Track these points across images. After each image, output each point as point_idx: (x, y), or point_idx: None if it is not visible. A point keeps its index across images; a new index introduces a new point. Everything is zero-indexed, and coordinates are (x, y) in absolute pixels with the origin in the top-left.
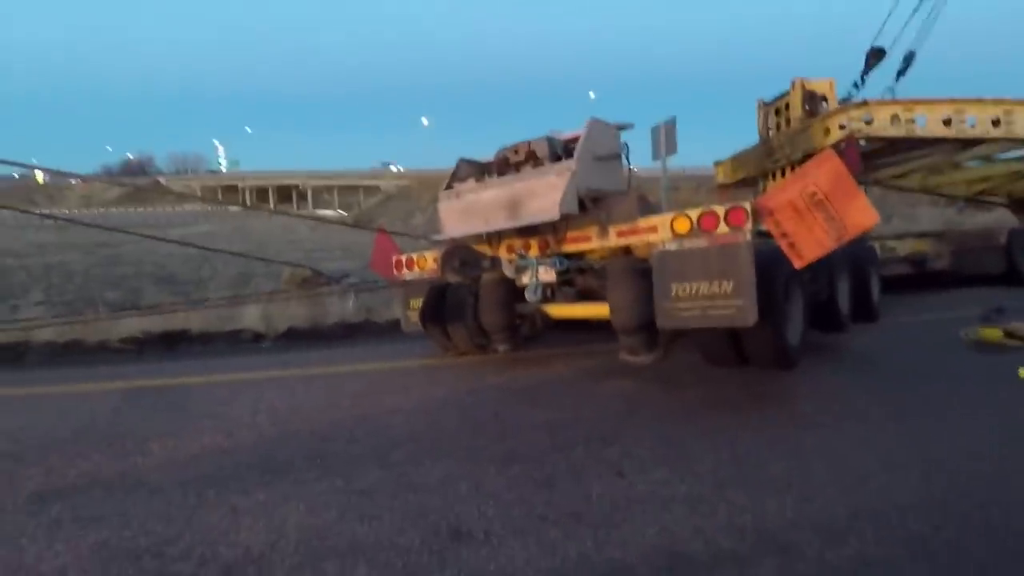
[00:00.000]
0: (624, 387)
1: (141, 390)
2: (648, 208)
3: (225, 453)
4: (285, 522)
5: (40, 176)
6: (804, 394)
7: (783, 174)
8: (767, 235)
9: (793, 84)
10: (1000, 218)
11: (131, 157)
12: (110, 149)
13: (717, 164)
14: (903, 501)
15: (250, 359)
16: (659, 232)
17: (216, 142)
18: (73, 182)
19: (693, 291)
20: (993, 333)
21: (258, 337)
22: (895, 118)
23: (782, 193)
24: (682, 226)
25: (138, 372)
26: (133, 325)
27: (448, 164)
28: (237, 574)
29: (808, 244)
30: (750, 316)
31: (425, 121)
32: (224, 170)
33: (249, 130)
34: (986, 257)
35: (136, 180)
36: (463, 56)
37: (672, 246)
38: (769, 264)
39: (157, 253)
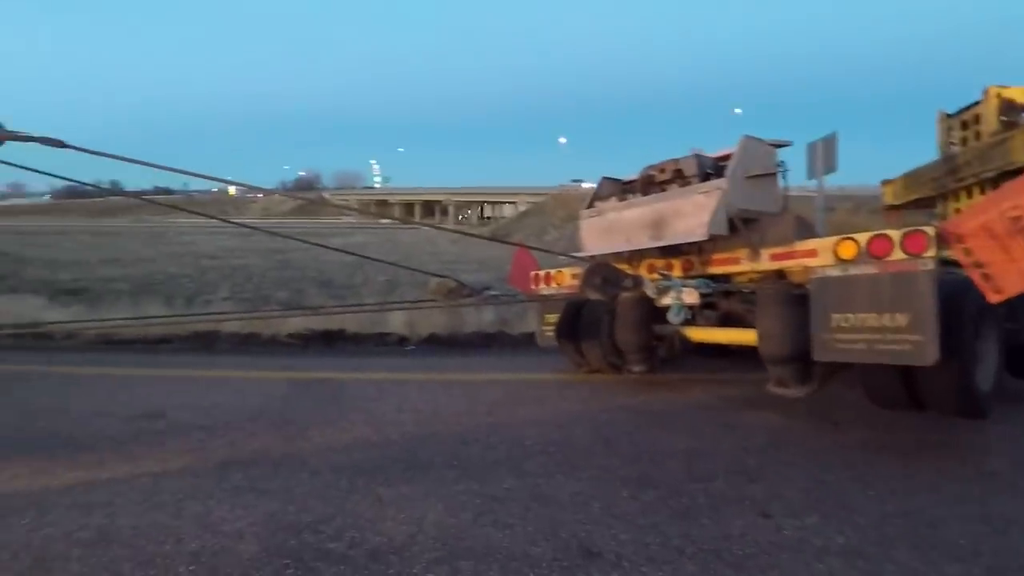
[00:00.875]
0: (770, 420)
1: (304, 381)
2: (806, 231)
3: (373, 446)
4: (425, 518)
5: (232, 190)
6: (995, 449)
7: (970, 195)
8: (953, 264)
9: (986, 93)
10: None
11: (303, 174)
12: (287, 167)
13: (885, 183)
14: None
15: (396, 360)
16: (819, 256)
17: (372, 161)
18: (260, 196)
19: (858, 323)
20: None
21: (403, 341)
22: None
23: (975, 216)
24: (847, 251)
25: (302, 364)
26: (299, 323)
27: (583, 182)
28: (381, 560)
29: (1008, 276)
30: (930, 354)
31: (563, 140)
32: (378, 186)
33: (401, 150)
34: None
35: (306, 195)
36: (601, 75)
37: (834, 272)
38: (956, 296)
39: (319, 260)
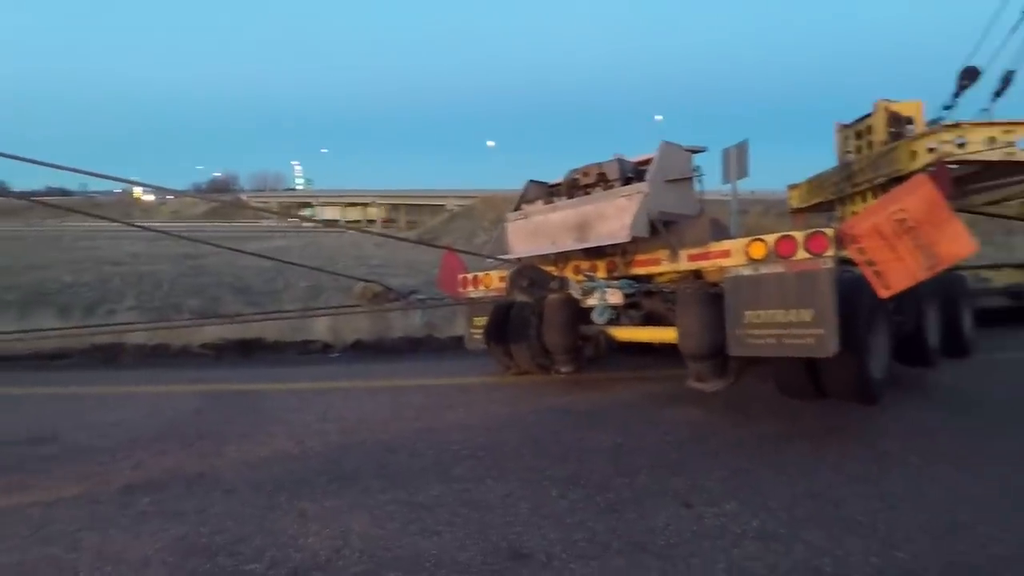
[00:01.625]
0: (691, 415)
1: (219, 393)
2: (720, 232)
3: (295, 459)
4: (350, 530)
5: (137, 192)
6: (888, 431)
7: (864, 199)
8: (849, 263)
9: (876, 106)
10: None
11: (218, 175)
12: (200, 168)
13: (791, 188)
14: (1003, 554)
15: (319, 369)
16: (732, 257)
17: (294, 162)
18: (169, 197)
19: (768, 318)
20: None
21: (327, 348)
22: (992, 140)
23: (868, 218)
24: (757, 251)
25: (217, 376)
26: (214, 332)
27: (513, 185)
28: None
29: (895, 273)
30: (830, 346)
31: (491, 143)
32: (300, 188)
33: (325, 151)
34: None
35: (221, 197)
36: (529, 80)
37: (746, 271)
38: (852, 293)
39: (236, 265)
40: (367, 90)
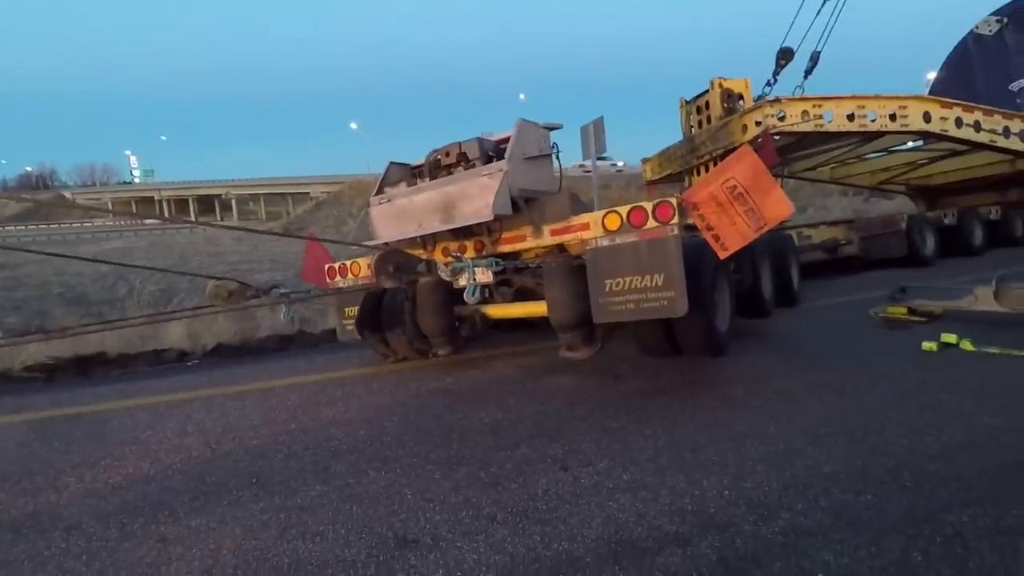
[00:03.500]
0: (564, 383)
1: (52, 420)
2: (580, 207)
3: (150, 480)
4: (220, 547)
5: None
6: (734, 379)
7: (707, 169)
8: (693, 228)
9: (712, 83)
10: (901, 205)
11: (30, 170)
12: (3, 162)
13: (644, 161)
14: (828, 471)
15: (175, 379)
16: (591, 229)
17: (128, 152)
18: None
19: (626, 285)
20: (898, 311)
21: (183, 356)
22: (805, 114)
23: (704, 188)
24: (613, 223)
25: (48, 401)
26: (40, 351)
27: (379, 169)
28: None
29: (731, 236)
30: (681, 307)
31: (354, 126)
32: (137, 181)
33: (164, 138)
34: (890, 242)
35: (36, 195)
36: (392, 60)
37: (604, 242)
38: (696, 256)
39: (66, 272)
40: (213, 74)
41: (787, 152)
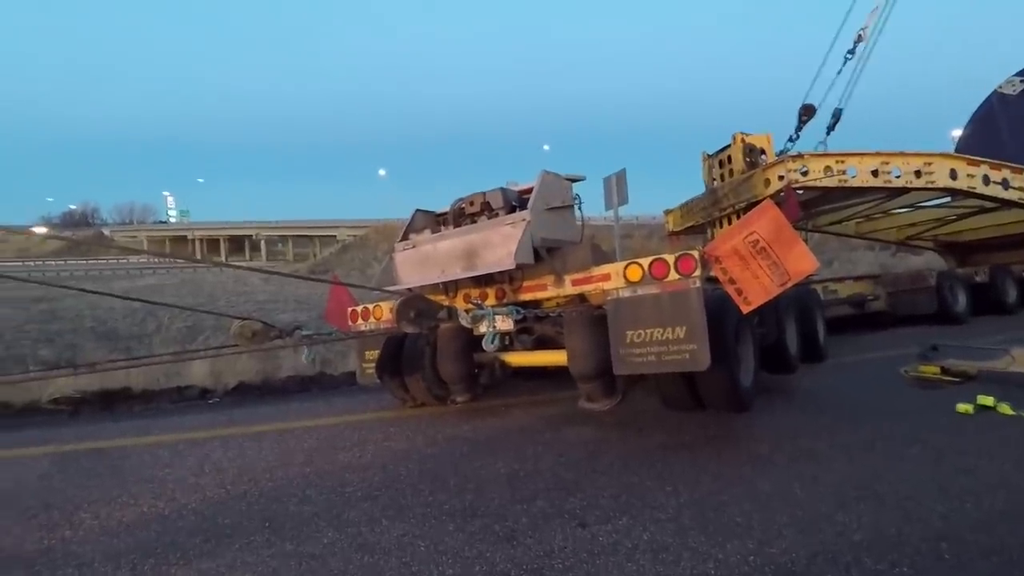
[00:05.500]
0: (584, 434)
1: (74, 454)
2: (602, 256)
3: (165, 519)
4: None
5: None
6: (759, 435)
7: (729, 222)
8: (715, 281)
9: (734, 138)
10: (929, 261)
11: (74, 208)
12: (51, 200)
13: (667, 213)
14: (859, 539)
15: (196, 417)
16: (612, 280)
17: (166, 193)
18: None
19: (648, 337)
20: (931, 370)
21: (205, 393)
22: (828, 169)
23: (727, 241)
24: (634, 274)
25: (71, 435)
26: (67, 384)
27: (406, 214)
28: None
29: (754, 290)
30: (703, 360)
31: (383, 172)
32: (173, 221)
33: (201, 180)
34: (919, 298)
35: (78, 232)
36: (421, 108)
37: (626, 293)
38: (719, 309)
39: (99, 307)
40: (249, 118)
41: (811, 206)
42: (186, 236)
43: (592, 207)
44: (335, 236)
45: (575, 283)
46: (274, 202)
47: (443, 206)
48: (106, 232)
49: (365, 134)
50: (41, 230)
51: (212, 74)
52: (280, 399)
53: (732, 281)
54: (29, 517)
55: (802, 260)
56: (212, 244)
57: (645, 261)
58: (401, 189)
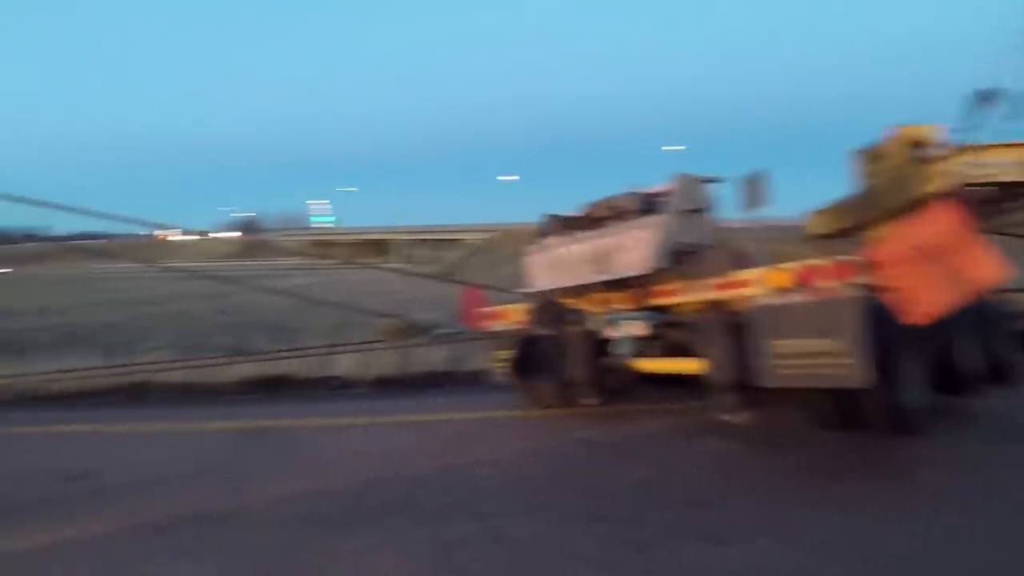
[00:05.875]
0: (719, 447)
1: (247, 431)
2: (741, 261)
3: (322, 495)
4: (379, 567)
5: (162, 234)
6: (931, 465)
7: (886, 225)
8: (876, 290)
9: (893, 130)
10: None
11: (243, 215)
12: (225, 209)
13: (811, 215)
14: None
15: (344, 405)
16: (755, 286)
17: (319, 201)
18: (196, 238)
19: (795, 348)
20: None
21: (351, 384)
22: (1010, 161)
23: (891, 246)
24: (781, 280)
25: (245, 414)
26: (241, 370)
27: (531, 218)
28: None
29: (923, 299)
30: (862, 376)
31: (509, 177)
32: (326, 226)
33: (349, 189)
34: None
35: (246, 236)
36: (546, 111)
37: (770, 300)
38: (882, 320)
39: (263, 303)
40: (390, 128)
41: (990, 205)
42: (334, 240)
43: (726, 208)
44: (464, 240)
45: (713, 288)
46: (409, 207)
47: (567, 208)
48: (268, 237)
49: (488, 138)
50: (231, 234)
51: (353, 88)
52: (416, 392)
53: (897, 290)
54: (217, 482)
55: (987, 267)
56: (356, 248)
57: (793, 266)
58: (526, 191)
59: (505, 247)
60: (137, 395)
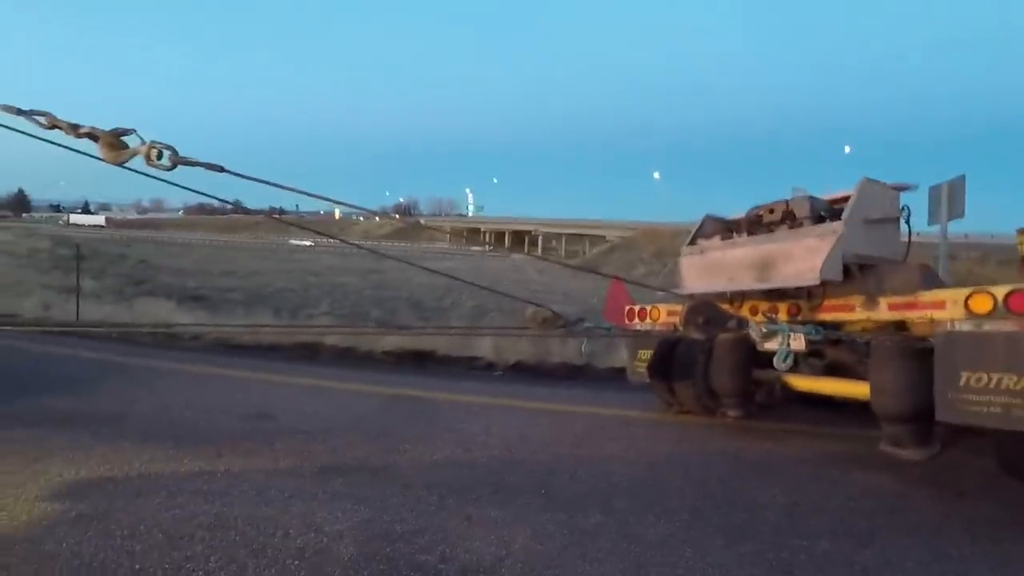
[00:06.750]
0: (882, 482)
1: (398, 397)
2: (932, 281)
3: (462, 465)
4: (513, 542)
5: (337, 212)
6: None
7: None
8: None
9: None
10: None
11: (401, 200)
12: (388, 194)
13: (1021, 232)
14: None
15: (484, 385)
16: (948, 309)
17: (467, 190)
18: (362, 218)
19: (992, 383)
20: None
21: (491, 366)
22: None
23: None
24: (982, 305)
25: (395, 381)
26: (393, 341)
27: (674, 218)
28: None
29: None
30: None
31: (656, 175)
32: (471, 215)
33: (496, 180)
34: None
35: (403, 219)
36: (698, 110)
37: (965, 326)
38: None
39: (411, 282)
40: (537, 121)
41: None
42: (479, 228)
43: (916, 219)
44: (604, 236)
45: (893, 307)
46: (553, 200)
47: (716, 209)
48: (422, 221)
49: (642, 136)
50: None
51: (505, 82)
52: (552, 382)
53: None
54: (372, 438)
55: None
56: (499, 236)
57: (999, 291)
58: (674, 191)
59: (645, 246)
60: (308, 353)
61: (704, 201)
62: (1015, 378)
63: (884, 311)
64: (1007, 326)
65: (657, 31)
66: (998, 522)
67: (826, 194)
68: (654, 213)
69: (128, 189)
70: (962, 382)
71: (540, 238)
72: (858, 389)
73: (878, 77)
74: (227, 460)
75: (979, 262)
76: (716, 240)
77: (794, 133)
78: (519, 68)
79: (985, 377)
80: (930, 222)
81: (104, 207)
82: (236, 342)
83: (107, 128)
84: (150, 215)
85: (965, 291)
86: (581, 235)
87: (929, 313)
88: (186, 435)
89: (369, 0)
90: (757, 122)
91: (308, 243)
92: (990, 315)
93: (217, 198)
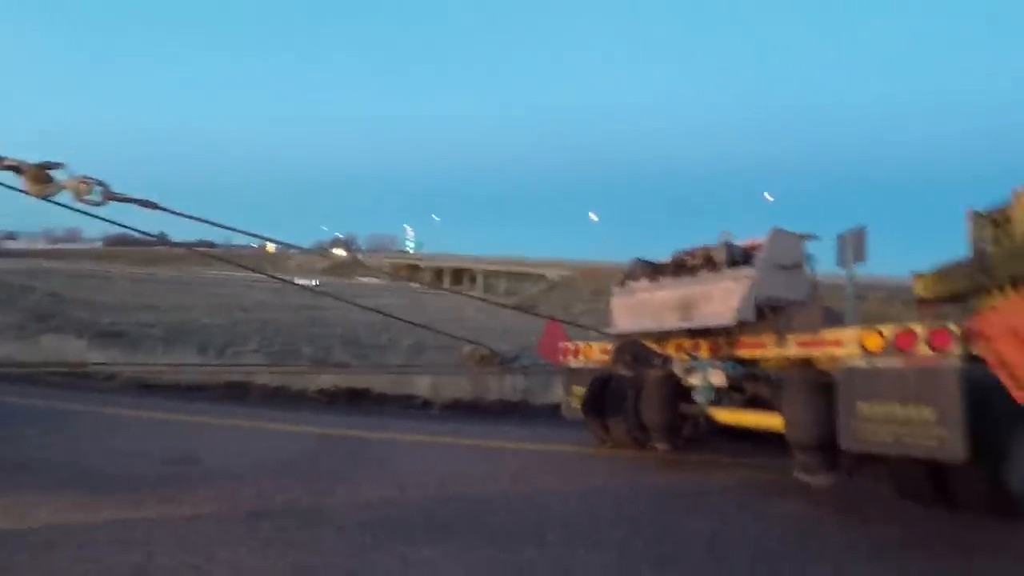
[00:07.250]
0: (795, 508)
1: (331, 437)
2: (833, 319)
3: (397, 505)
4: None
5: (270, 247)
6: None
7: (1002, 293)
8: (981, 361)
9: (1016, 195)
10: None
11: (339, 236)
12: (325, 228)
13: (917, 277)
14: None
15: (420, 423)
16: (845, 346)
17: (406, 226)
18: (296, 253)
19: (885, 413)
20: None
21: (427, 404)
22: None
23: (1003, 317)
24: (873, 343)
25: (328, 421)
26: (326, 379)
27: (612, 258)
28: None
29: None
30: (958, 450)
31: (593, 216)
32: (411, 251)
33: (436, 218)
34: None
35: (338, 255)
36: (635, 153)
37: (861, 363)
38: (986, 394)
39: (347, 318)
40: (477, 160)
41: None
42: (418, 265)
43: (823, 262)
44: (545, 275)
45: (800, 345)
46: (493, 239)
47: (646, 250)
48: (359, 257)
49: (577, 176)
50: (340, 252)
51: (447, 120)
52: (488, 419)
53: (1005, 364)
54: (303, 480)
55: None
56: (437, 274)
57: (888, 330)
58: (612, 232)
59: (584, 285)
60: (235, 393)
61: (641, 241)
62: (902, 408)
63: (793, 348)
64: (895, 362)
65: (594, 73)
66: (900, 543)
67: (743, 240)
68: (593, 252)
69: (36, 217)
70: (860, 413)
71: (480, 276)
72: (775, 421)
73: (796, 123)
74: (146, 508)
75: (886, 302)
76: (644, 282)
77: (726, 175)
78: (460, 106)
79: (879, 408)
80: (838, 265)
81: (10, 236)
82: (156, 382)
83: (33, 161)
84: (60, 245)
85: (859, 330)
86: (521, 273)
87: (830, 350)
88: (100, 482)
89: (299, 34)
90: (692, 164)
91: (315, 282)
92: (881, 352)
93: (138, 230)
